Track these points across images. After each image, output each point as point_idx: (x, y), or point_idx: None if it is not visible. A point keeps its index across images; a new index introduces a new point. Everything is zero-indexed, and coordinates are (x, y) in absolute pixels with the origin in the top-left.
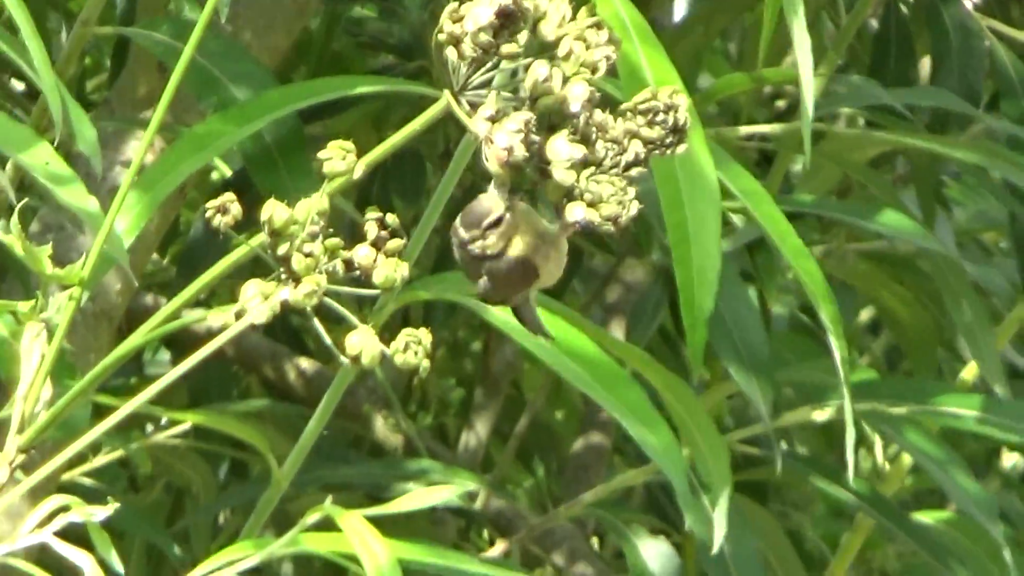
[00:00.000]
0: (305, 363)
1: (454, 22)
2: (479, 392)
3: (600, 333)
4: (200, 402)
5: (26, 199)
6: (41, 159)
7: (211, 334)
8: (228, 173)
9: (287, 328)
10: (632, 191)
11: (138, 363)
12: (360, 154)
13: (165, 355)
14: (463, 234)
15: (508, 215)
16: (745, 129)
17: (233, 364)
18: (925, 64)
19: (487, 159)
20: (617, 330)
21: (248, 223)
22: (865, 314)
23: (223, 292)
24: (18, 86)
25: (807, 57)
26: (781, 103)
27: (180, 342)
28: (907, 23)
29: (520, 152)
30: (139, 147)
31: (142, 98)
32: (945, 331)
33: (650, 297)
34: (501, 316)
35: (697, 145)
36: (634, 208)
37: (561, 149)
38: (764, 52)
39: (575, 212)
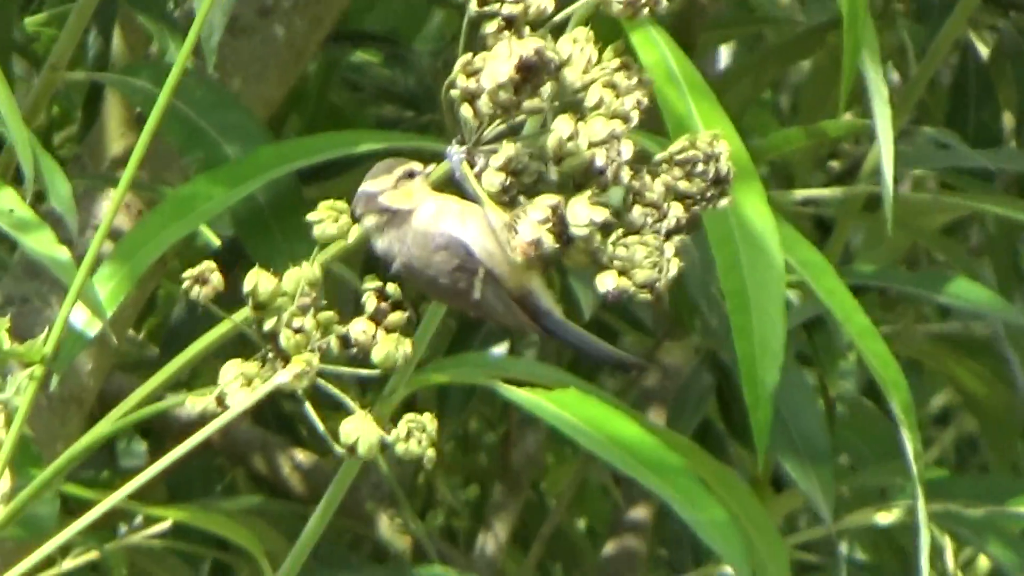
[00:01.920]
0: (300, 455)
1: (469, 76)
2: (497, 490)
3: (640, 418)
4: (181, 497)
5: None
6: (5, 205)
7: (193, 422)
8: (216, 240)
9: (278, 415)
10: (669, 249)
11: (111, 454)
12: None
13: (140, 445)
14: (368, 186)
15: (420, 176)
16: (801, 193)
17: (218, 455)
18: (1007, 119)
19: (512, 250)
20: (656, 419)
21: (237, 295)
22: (936, 401)
23: (207, 373)
24: None
25: (884, 107)
26: (835, 164)
27: (157, 431)
28: (987, 72)
29: (548, 243)
30: (109, 208)
31: (118, 155)
32: None
33: (694, 383)
34: (531, 397)
35: (755, 203)
36: (673, 269)
37: (581, 213)
38: (845, 96)
39: (606, 282)
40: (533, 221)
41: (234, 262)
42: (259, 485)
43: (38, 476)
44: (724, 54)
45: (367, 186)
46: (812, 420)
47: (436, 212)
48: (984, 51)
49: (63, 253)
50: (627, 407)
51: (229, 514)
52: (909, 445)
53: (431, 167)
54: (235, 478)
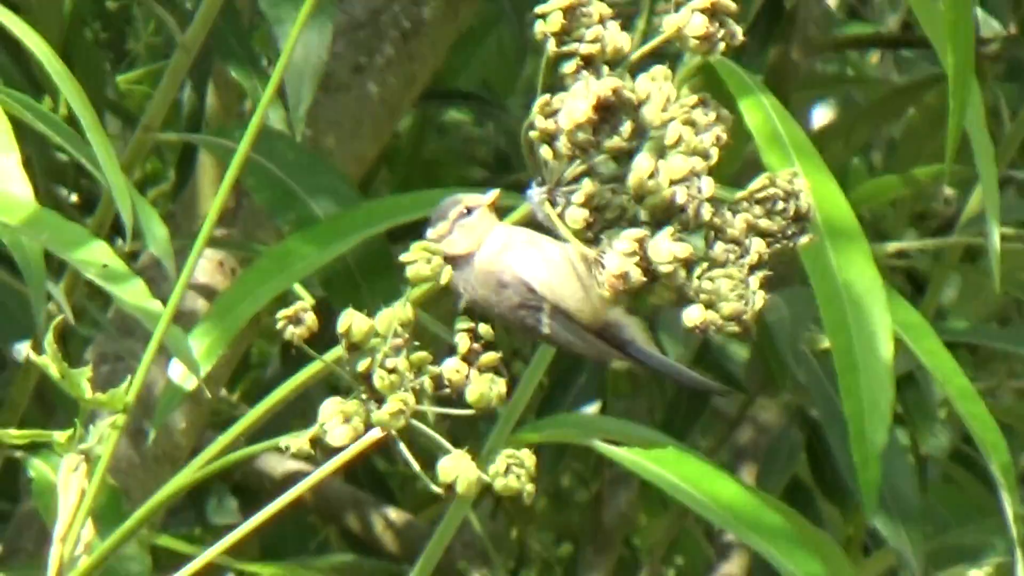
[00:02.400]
0: (393, 513)
1: (547, 116)
2: (589, 547)
3: (733, 476)
4: (274, 555)
5: (59, 316)
6: (98, 259)
7: (285, 479)
8: (309, 299)
9: (371, 472)
10: (755, 281)
11: (200, 511)
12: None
13: (232, 503)
14: (429, 235)
15: (479, 211)
16: (895, 246)
17: (311, 512)
18: None
19: (599, 284)
20: (747, 477)
21: (330, 343)
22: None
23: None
24: (67, 196)
25: (990, 162)
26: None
27: (249, 488)
28: None
29: (635, 275)
30: (191, 259)
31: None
32: None
33: (784, 440)
34: (630, 456)
35: (861, 262)
36: (759, 302)
37: (664, 248)
38: (952, 153)
39: (692, 315)
40: (619, 254)
41: (323, 323)
42: (352, 543)
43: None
44: (821, 112)
45: (428, 235)
46: (904, 478)
47: (499, 248)
48: None
49: (156, 305)
50: (720, 465)
51: (322, 572)
52: (1008, 506)
53: (491, 193)
54: (328, 536)
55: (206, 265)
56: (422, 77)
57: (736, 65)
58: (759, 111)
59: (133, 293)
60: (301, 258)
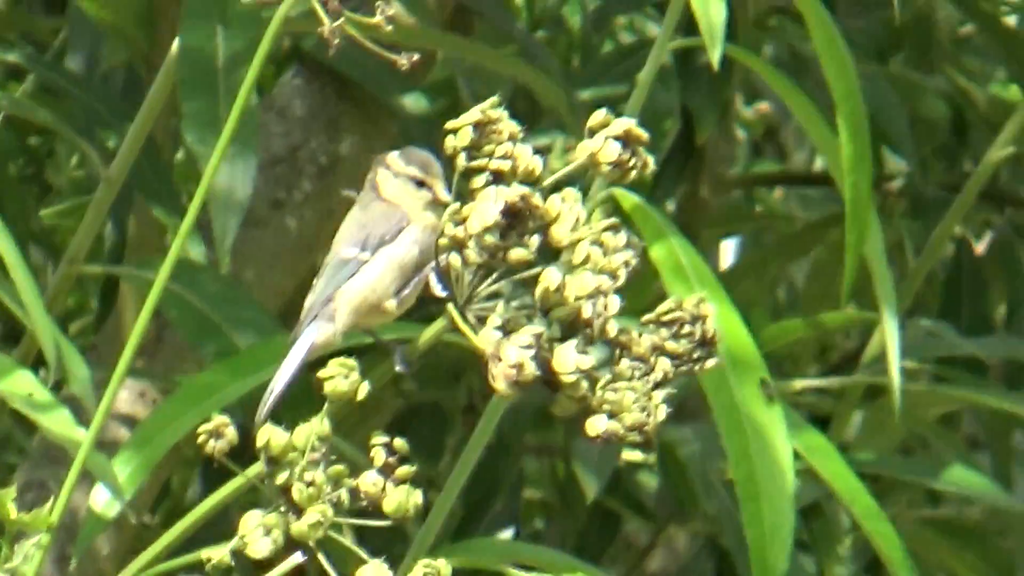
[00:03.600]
0: None
1: (457, 224)
2: None
3: None
4: None
5: None
6: (23, 389)
7: None
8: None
9: None
10: (659, 395)
11: None
12: (378, 405)
13: None
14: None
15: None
16: (801, 383)
17: None
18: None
19: (494, 378)
20: None
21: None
22: None
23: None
24: None
25: (891, 300)
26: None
27: None
28: (981, 266)
29: (531, 369)
30: (110, 390)
31: None
32: None
33: (694, 568)
34: None
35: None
36: (662, 413)
37: (569, 358)
38: (848, 289)
39: (596, 425)
40: (517, 347)
41: (243, 451)
42: None
43: None
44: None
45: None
46: None
47: None
48: (977, 245)
49: (80, 434)
50: None
51: None
52: None
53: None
54: None
55: (127, 395)
56: (340, 211)
57: (642, 199)
58: (663, 242)
59: (58, 422)
60: (221, 388)
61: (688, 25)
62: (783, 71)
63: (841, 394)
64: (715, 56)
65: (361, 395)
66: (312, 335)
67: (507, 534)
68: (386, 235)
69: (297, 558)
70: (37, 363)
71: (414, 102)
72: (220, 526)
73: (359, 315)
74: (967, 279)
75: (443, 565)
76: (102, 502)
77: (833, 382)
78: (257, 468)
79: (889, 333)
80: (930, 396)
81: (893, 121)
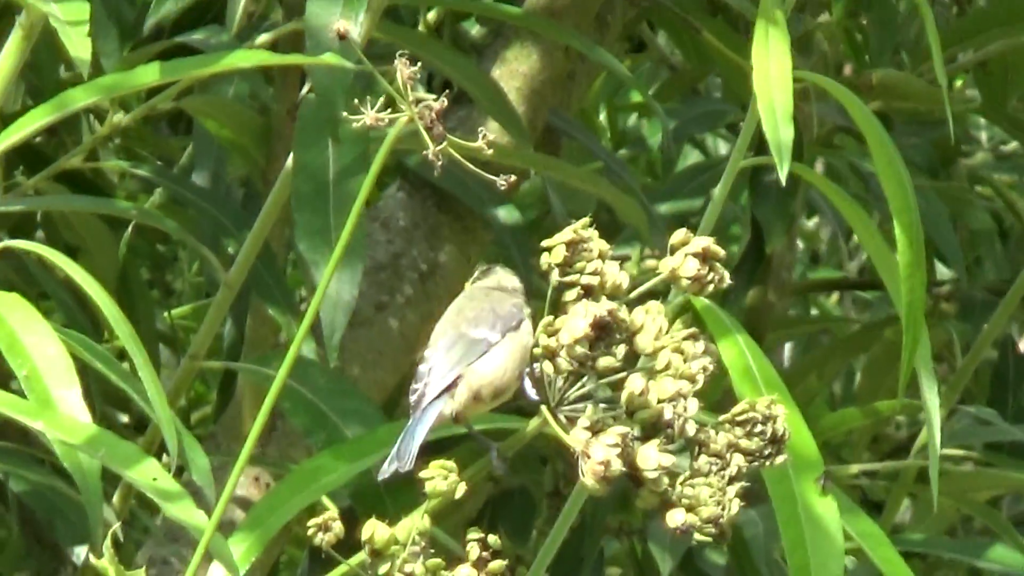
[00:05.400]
0: None
1: (549, 335)
2: None
3: None
4: None
5: (115, 525)
6: (149, 475)
7: None
8: (335, 510)
9: None
10: (732, 489)
11: None
12: (472, 489)
13: None
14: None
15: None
16: (857, 467)
17: None
18: None
19: (583, 473)
20: None
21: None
22: None
23: None
24: (120, 417)
25: (934, 398)
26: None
27: None
28: (1023, 361)
29: (617, 466)
30: (232, 479)
31: (249, 433)
32: None
33: None
34: None
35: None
36: (735, 507)
37: (651, 456)
38: (903, 386)
39: (675, 517)
40: (606, 444)
41: (349, 532)
42: None
43: None
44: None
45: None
46: None
47: None
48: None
49: (201, 517)
50: None
51: None
52: None
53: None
54: None
55: (243, 479)
56: (439, 313)
57: (716, 305)
58: (734, 348)
59: (181, 508)
60: (329, 472)
61: (758, 142)
62: (842, 185)
63: (894, 478)
64: (783, 173)
65: (459, 494)
66: (438, 407)
67: None
68: (511, 321)
69: None
70: (161, 451)
71: (507, 214)
72: None
73: (481, 396)
74: (1012, 374)
75: None
76: None
77: (887, 466)
78: (360, 557)
79: (931, 423)
80: (977, 479)
81: (941, 231)
